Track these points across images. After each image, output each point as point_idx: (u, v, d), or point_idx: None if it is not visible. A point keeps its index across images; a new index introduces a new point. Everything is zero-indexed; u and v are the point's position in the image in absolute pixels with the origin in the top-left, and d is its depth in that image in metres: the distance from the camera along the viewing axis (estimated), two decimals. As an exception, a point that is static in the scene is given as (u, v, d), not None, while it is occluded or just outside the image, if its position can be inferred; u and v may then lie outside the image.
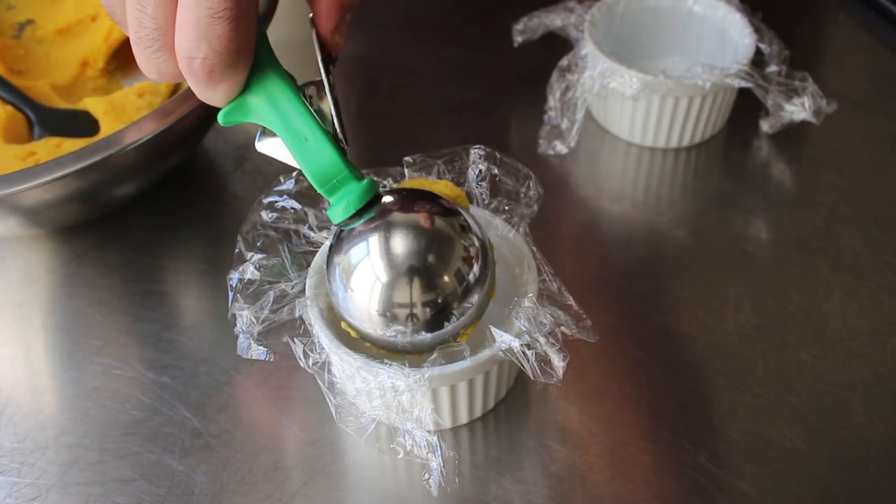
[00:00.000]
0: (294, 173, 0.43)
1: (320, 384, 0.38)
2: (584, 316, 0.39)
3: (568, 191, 0.54)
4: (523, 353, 0.37)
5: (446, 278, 0.36)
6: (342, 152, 0.35)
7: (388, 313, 0.35)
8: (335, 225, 0.37)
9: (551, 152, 0.54)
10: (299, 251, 0.42)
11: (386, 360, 0.37)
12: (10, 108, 0.54)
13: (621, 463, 0.41)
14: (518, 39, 0.57)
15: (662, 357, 0.45)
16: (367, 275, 0.35)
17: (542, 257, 0.40)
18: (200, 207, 0.54)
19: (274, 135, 0.35)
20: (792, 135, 0.55)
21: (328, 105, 0.36)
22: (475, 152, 0.43)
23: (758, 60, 0.53)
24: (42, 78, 0.58)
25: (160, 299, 0.48)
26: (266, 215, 0.42)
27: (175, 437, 0.42)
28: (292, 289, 0.40)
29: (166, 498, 0.40)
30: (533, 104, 0.57)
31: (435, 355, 0.37)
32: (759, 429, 0.42)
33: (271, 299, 0.40)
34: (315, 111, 0.35)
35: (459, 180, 0.43)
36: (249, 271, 0.40)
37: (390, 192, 0.37)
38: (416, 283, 0.35)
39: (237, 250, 0.41)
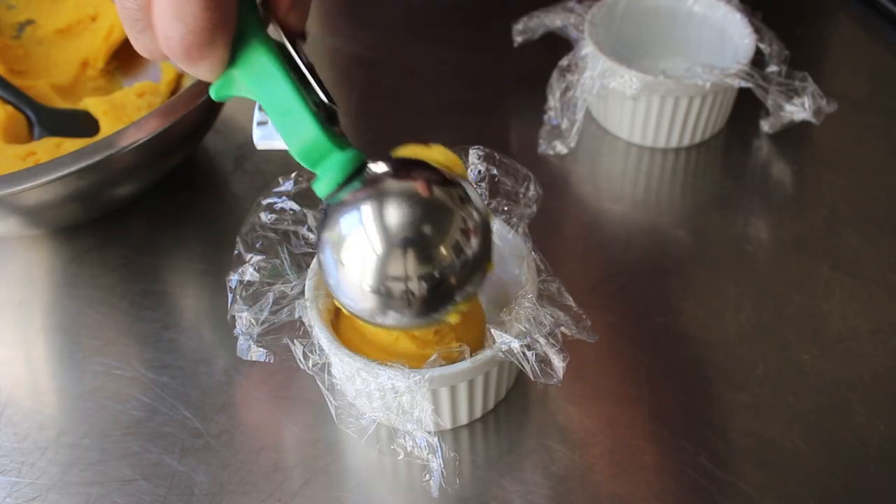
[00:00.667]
0: (293, 174, 0.43)
1: (320, 385, 0.38)
2: (583, 316, 0.39)
3: (568, 191, 0.54)
4: (523, 353, 0.37)
5: (442, 250, 0.33)
6: (328, 123, 0.34)
7: (381, 287, 0.33)
8: (322, 200, 0.35)
9: (551, 152, 0.54)
10: (298, 252, 0.42)
11: (386, 362, 0.37)
12: (10, 108, 0.54)
13: (621, 463, 0.41)
14: (518, 39, 0.57)
15: (662, 357, 0.45)
16: (356, 246, 0.33)
17: (542, 258, 0.40)
18: (200, 207, 0.54)
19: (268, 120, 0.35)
20: (792, 135, 0.55)
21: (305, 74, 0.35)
22: (475, 152, 0.43)
23: (758, 60, 0.53)
24: (42, 78, 0.58)
25: (160, 299, 0.48)
26: (265, 217, 0.42)
27: (175, 437, 0.42)
28: (292, 290, 0.40)
29: (166, 498, 0.40)
30: (533, 104, 0.57)
31: (434, 356, 0.37)
32: (759, 429, 0.42)
33: (271, 301, 0.40)
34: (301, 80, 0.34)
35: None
36: (249, 273, 0.40)
37: (381, 160, 0.36)
38: (410, 254, 0.33)
39: (236, 252, 0.41)
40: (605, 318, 0.46)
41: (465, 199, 0.34)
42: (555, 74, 0.54)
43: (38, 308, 0.48)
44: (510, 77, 0.62)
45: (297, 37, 0.36)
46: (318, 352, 0.38)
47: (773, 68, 0.53)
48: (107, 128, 0.54)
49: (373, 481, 0.41)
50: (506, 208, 0.43)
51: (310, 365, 0.38)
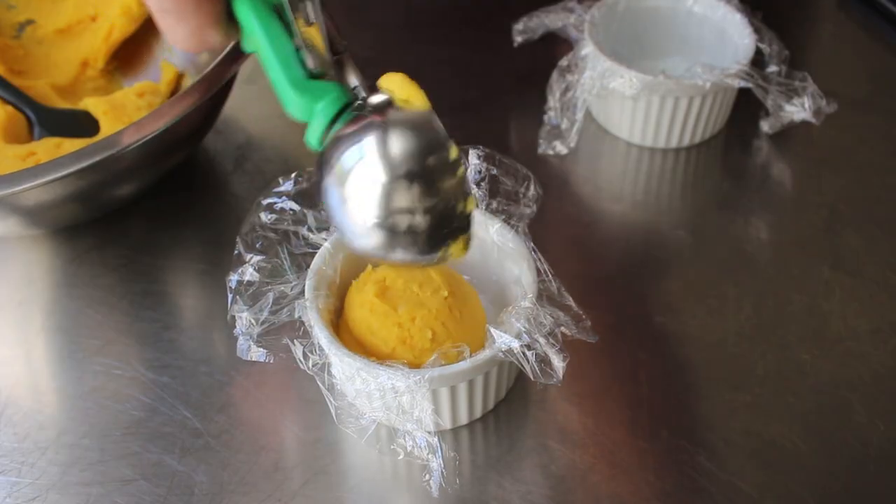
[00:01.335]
0: (293, 174, 0.43)
1: (320, 385, 0.38)
2: (583, 316, 0.39)
3: (568, 191, 0.54)
4: (523, 353, 0.37)
5: (445, 182, 0.33)
6: (319, 75, 0.35)
7: (386, 219, 0.33)
8: (315, 151, 0.35)
9: (551, 152, 0.54)
10: (298, 252, 0.42)
11: (386, 362, 0.37)
12: (10, 108, 0.54)
13: (621, 463, 0.41)
14: (518, 39, 0.57)
15: (662, 357, 0.45)
16: (358, 179, 0.33)
17: (542, 258, 0.40)
18: (200, 207, 0.54)
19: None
20: (792, 135, 0.55)
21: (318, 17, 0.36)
22: (474, 152, 0.43)
23: (758, 60, 0.53)
24: (42, 78, 0.58)
25: (160, 299, 0.48)
26: (265, 217, 0.42)
27: (175, 437, 0.42)
28: (291, 290, 0.40)
29: (166, 498, 0.40)
30: (533, 104, 0.57)
31: (435, 356, 0.37)
32: (759, 429, 0.42)
33: (270, 301, 0.40)
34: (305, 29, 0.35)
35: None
36: (248, 273, 0.40)
37: (368, 96, 0.36)
38: (415, 186, 0.32)
39: (236, 252, 0.41)
40: (605, 318, 0.46)
41: (440, 127, 0.34)
42: (555, 74, 0.54)
43: (38, 308, 0.48)
44: (510, 77, 0.62)
45: None
46: (318, 352, 0.38)
47: (773, 68, 0.53)
48: (107, 128, 0.54)
49: (373, 481, 0.41)
50: (506, 208, 0.43)
51: (310, 365, 0.38)
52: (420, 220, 0.33)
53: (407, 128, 0.33)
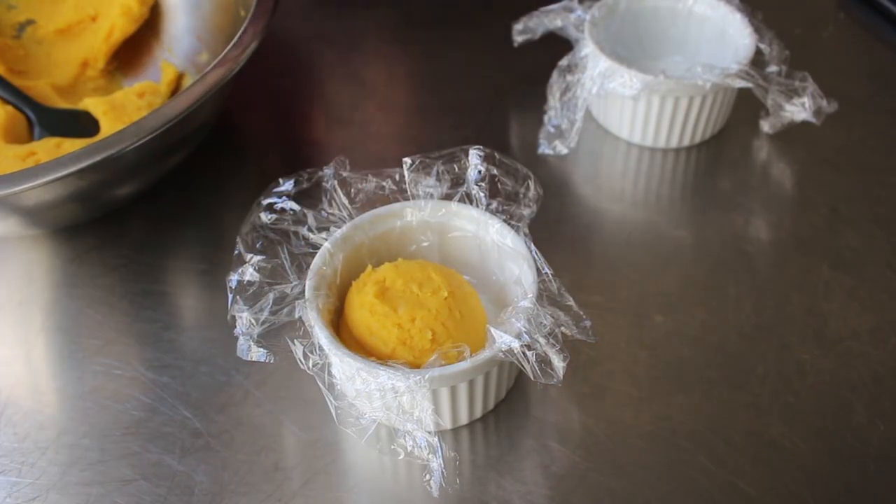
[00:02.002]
0: (293, 174, 0.43)
1: (320, 385, 0.38)
2: (583, 316, 0.39)
3: (568, 191, 0.54)
4: (523, 353, 0.37)
5: None
6: None
7: None
8: None
9: (551, 152, 0.54)
10: (298, 252, 0.42)
11: (386, 362, 0.37)
12: (10, 108, 0.54)
13: (621, 463, 0.41)
14: (518, 39, 0.57)
15: (662, 357, 0.45)
16: None
17: (542, 258, 0.40)
18: (200, 207, 0.54)
19: None
20: (792, 135, 0.55)
21: None
22: (474, 153, 0.43)
23: (758, 60, 0.53)
24: (42, 78, 0.58)
25: (160, 299, 0.48)
26: (265, 217, 0.42)
27: (175, 437, 0.42)
28: (291, 290, 0.40)
29: (166, 498, 0.40)
30: (533, 104, 0.57)
31: (435, 356, 0.37)
32: (759, 429, 0.42)
33: (271, 301, 0.40)
34: None
35: (459, 181, 0.43)
36: (249, 273, 0.40)
37: None
38: None
39: (236, 252, 0.41)
40: (606, 317, 0.46)
41: None
42: (555, 74, 0.54)
43: (38, 308, 0.48)
44: (510, 77, 0.62)
45: None
46: (318, 352, 0.38)
47: (773, 68, 0.53)
48: (107, 128, 0.54)
49: (373, 481, 0.41)
50: (506, 208, 0.43)
51: (310, 365, 0.38)
52: None
53: None
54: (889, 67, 0.62)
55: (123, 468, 0.41)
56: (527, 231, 0.42)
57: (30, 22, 0.61)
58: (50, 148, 0.51)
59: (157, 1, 0.60)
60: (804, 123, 0.53)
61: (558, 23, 0.56)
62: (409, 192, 0.43)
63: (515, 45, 0.57)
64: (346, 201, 0.43)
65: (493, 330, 0.37)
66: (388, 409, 0.38)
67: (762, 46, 0.53)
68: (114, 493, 0.40)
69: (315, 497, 0.40)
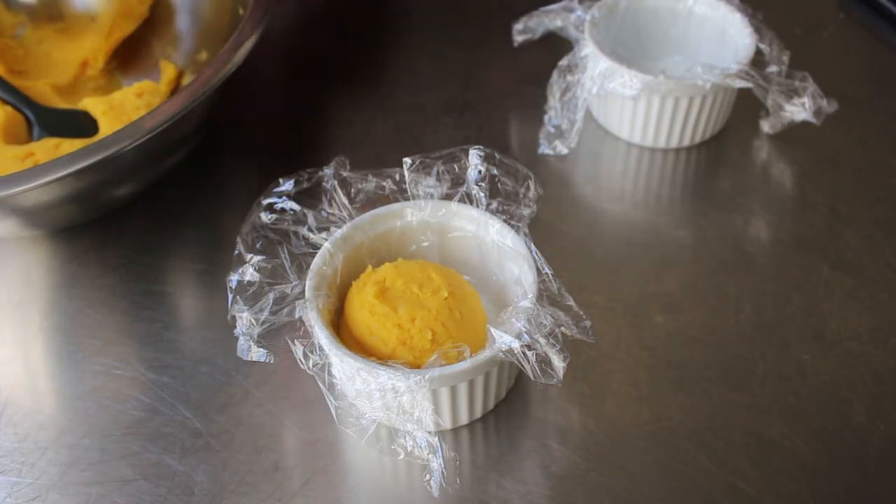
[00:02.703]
0: (293, 174, 0.43)
1: (320, 385, 0.38)
2: (583, 316, 0.39)
3: (568, 191, 0.54)
4: (523, 353, 0.37)
5: None
6: None
7: None
8: None
9: (551, 152, 0.54)
10: (298, 252, 0.42)
11: (386, 362, 0.37)
12: (9, 108, 0.54)
13: (621, 463, 0.41)
14: (518, 39, 0.57)
15: (662, 357, 0.45)
16: None
17: (542, 258, 0.40)
18: (200, 207, 0.53)
19: None
20: (792, 135, 0.55)
21: None
22: (474, 153, 0.43)
23: (758, 60, 0.53)
24: (42, 78, 0.58)
25: (160, 299, 0.48)
26: (265, 217, 0.42)
27: (175, 437, 0.42)
28: (292, 290, 0.40)
29: (166, 498, 0.40)
30: (533, 104, 0.57)
31: (435, 356, 0.37)
32: (759, 429, 0.42)
33: (271, 301, 0.40)
34: None
35: (459, 181, 0.43)
36: (249, 273, 0.40)
37: None
38: None
39: (236, 252, 0.41)
40: (606, 318, 0.46)
41: None
42: (555, 74, 0.54)
43: (38, 308, 0.48)
44: (510, 77, 0.61)
45: None
46: (318, 352, 0.38)
47: (773, 68, 0.53)
48: (106, 128, 0.54)
49: (373, 481, 0.41)
50: (506, 208, 0.43)
51: (310, 365, 0.38)
52: None
53: None
54: (889, 67, 0.62)
55: (123, 468, 0.41)
56: (527, 231, 0.42)
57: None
58: (49, 149, 0.51)
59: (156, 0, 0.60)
60: (804, 123, 0.53)
61: (558, 23, 0.56)
62: (409, 192, 0.43)
63: (515, 45, 0.57)
64: (346, 201, 0.43)
65: (493, 330, 0.37)
66: (388, 409, 0.38)
67: (762, 46, 0.53)
68: (114, 493, 0.40)
69: (315, 497, 0.40)
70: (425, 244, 0.45)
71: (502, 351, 0.37)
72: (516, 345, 0.37)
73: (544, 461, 0.41)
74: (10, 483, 0.41)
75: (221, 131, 0.58)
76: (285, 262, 0.41)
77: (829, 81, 0.53)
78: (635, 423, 0.42)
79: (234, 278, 0.40)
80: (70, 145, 0.51)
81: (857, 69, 0.62)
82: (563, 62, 0.54)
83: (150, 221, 0.53)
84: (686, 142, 0.55)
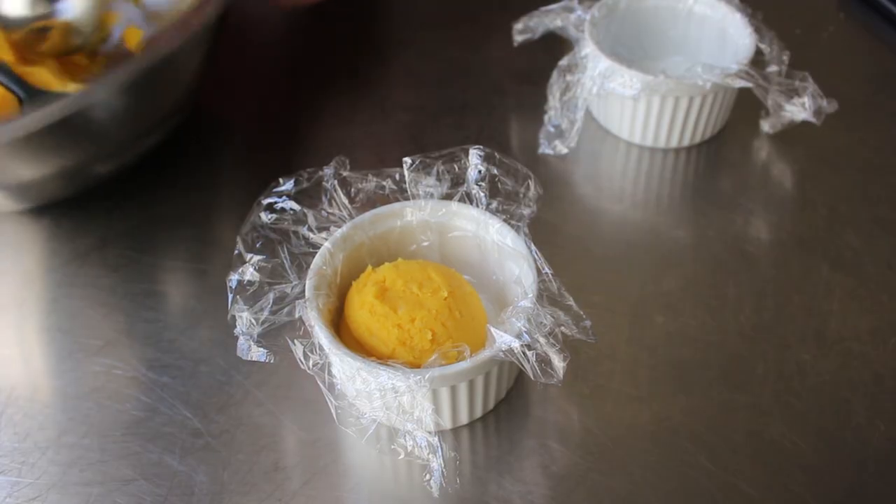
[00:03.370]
0: (293, 174, 0.43)
1: (320, 385, 0.38)
2: (583, 316, 0.39)
3: (568, 191, 0.54)
4: (523, 353, 0.37)
5: None
6: None
7: None
8: None
9: (551, 152, 0.54)
10: (298, 252, 0.42)
11: (386, 362, 0.37)
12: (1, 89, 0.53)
13: (621, 463, 0.41)
14: (518, 39, 0.57)
15: (662, 357, 0.45)
16: None
17: (542, 258, 0.40)
18: (200, 208, 0.54)
19: None
20: (792, 135, 0.55)
21: None
22: (474, 152, 0.43)
23: (758, 60, 0.53)
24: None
25: (160, 299, 0.48)
26: (265, 216, 0.42)
27: (175, 437, 0.42)
28: (292, 290, 0.40)
29: (167, 498, 0.40)
30: (533, 104, 0.57)
31: (435, 356, 0.37)
32: (759, 429, 0.42)
33: (271, 301, 0.40)
34: None
35: (459, 181, 0.43)
36: (249, 273, 0.40)
37: None
38: None
39: (236, 251, 0.41)
40: (606, 317, 0.46)
41: None
42: (555, 74, 0.54)
43: (38, 308, 0.48)
44: (510, 77, 0.62)
45: None
46: (318, 352, 0.38)
47: (773, 68, 0.53)
48: None
49: (373, 481, 0.41)
50: (506, 208, 0.43)
51: (310, 365, 0.38)
52: None
53: None
54: (889, 67, 0.62)
55: (123, 468, 0.41)
56: (527, 231, 0.42)
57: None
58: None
59: None
60: (804, 123, 0.53)
61: (558, 23, 0.56)
62: (409, 192, 0.43)
63: (515, 44, 0.57)
64: (346, 201, 0.43)
65: (493, 330, 0.37)
66: (388, 408, 0.38)
67: (762, 46, 0.53)
68: (114, 493, 0.40)
69: (315, 497, 0.40)
70: (425, 244, 0.45)
71: (502, 351, 0.37)
72: (516, 345, 0.37)
73: (544, 461, 0.41)
74: (10, 483, 0.41)
75: (221, 131, 0.58)
76: (285, 261, 0.41)
77: (829, 81, 0.53)
78: (635, 423, 0.42)
79: (234, 278, 0.41)
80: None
81: (857, 69, 0.62)
82: (563, 62, 0.54)
83: (150, 222, 0.53)
84: (686, 142, 0.55)
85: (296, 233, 0.42)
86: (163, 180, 0.54)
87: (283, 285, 0.40)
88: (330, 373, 0.38)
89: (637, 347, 0.45)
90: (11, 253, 0.51)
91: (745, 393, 0.43)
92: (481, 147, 0.43)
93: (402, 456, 0.37)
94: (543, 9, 0.56)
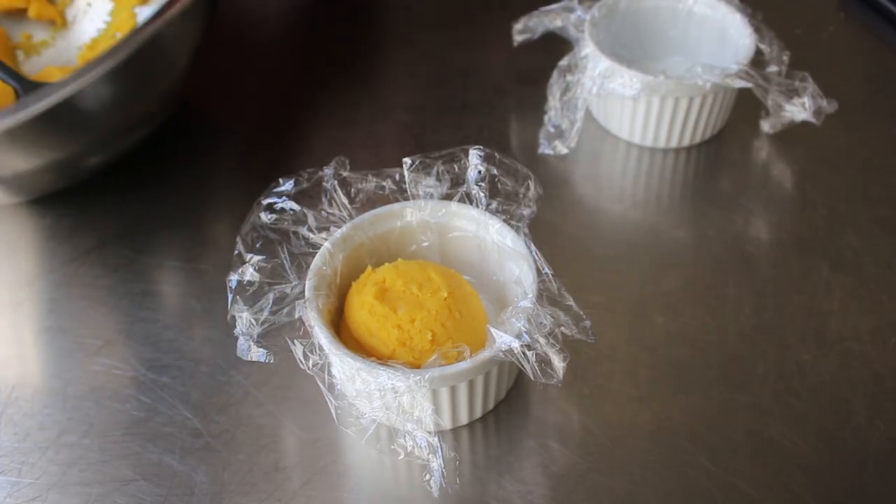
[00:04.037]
0: (293, 175, 0.43)
1: (320, 385, 0.38)
2: (583, 316, 0.39)
3: (568, 191, 0.54)
4: (523, 353, 0.37)
5: None
6: None
7: None
8: None
9: (551, 152, 0.54)
10: (298, 252, 0.42)
11: (386, 362, 0.37)
12: None
13: (621, 463, 0.41)
14: (518, 39, 0.57)
15: (662, 357, 0.45)
16: None
17: (542, 258, 0.40)
18: (200, 208, 0.54)
19: None
20: (792, 135, 0.55)
21: None
22: (474, 153, 0.43)
23: (758, 60, 0.53)
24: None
25: (160, 299, 0.48)
26: (265, 217, 0.42)
27: (175, 437, 0.42)
28: (292, 290, 0.40)
29: (166, 498, 0.40)
30: (533, 104, 0.57)
31: (435, 356, 0.37)
32: (759, 429, 0.42)
33: (271, 301, 0.40)
34: None
35: (459, 181, 0.43)
36: (249, 273, 0.40)
37: None
38: None
39: (236, 252, 0.41)
40: (606, 317, 0.46)
41: None
42: (555, 74, 0.54)
43: (39, 308, 0.48)
44: (510, 77, 0.62)
45: None
46: (318, 352, 0.38)
47: (773, 68, 0.53)
48: None
49: (373, 481, 0.41)
50: (506, 208, 0.43)
51: (310, 365, 0.38)
52: None
53: None
54: (889, 67, 0.62)
55: (123, 468, 0.41)
56: (527, 231, 0.42)
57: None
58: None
59: None
60: (804, 123, 0.53)
61: (558, 23, 0.56)
62: (409, 192, 0.43)
63: (515, 44, 0.57)
64: (346, 201, 0.43)
65: (493, 330, 0.37)
66: (388, 409, 0.38)
67: (762, 46, 0.53)
68: (114, 493, 0.40)
69: (315, 497, 0.40)
70: (425, 244, 0.45)
71: (502, 351, 0.37)
72: (516, 345, 0.37)
73: (544, 461, 0.41)
74: (10, 483, 0.41)
75: (221, 131, 0.58)
76: (285, 262, 0.41)
77: (829, 81, 0.53)
78: (635, 423, 0.42)
79: (233, 278, 0.41)
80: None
81: (857, 69, 0.62)
82: (563, 62, 0.54)
83: (150, 222, 0.53)
84: (686, 142, 0.55)
85: (296, 233, 0.42)
86: (162, 181, 0.54)
87: (283, 286, 0.40)
88: (330, 373, 0.39)
89: (637, 347, 0.45)
90: (11, 253, 0.51)
91: (745, 393, 0.43)
92: (481, 147, 0.43)
93: (401, 456, 0.37)
94: (543, 9, 0.56)
